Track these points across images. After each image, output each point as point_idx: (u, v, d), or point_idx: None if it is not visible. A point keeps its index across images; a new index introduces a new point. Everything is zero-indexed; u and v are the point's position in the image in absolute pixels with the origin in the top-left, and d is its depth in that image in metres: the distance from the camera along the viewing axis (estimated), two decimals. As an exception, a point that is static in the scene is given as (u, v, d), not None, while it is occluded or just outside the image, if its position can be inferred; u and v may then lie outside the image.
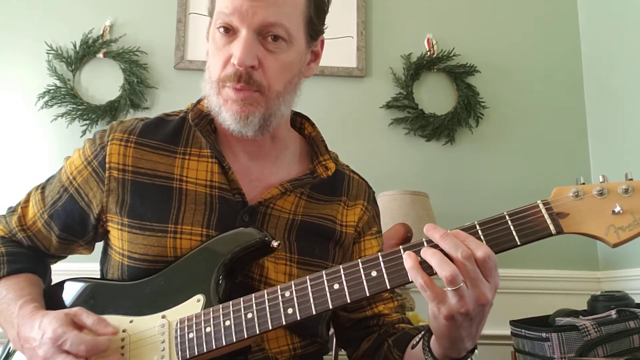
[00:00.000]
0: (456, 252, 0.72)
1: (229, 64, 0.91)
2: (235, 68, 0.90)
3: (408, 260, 0.75)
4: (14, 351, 0.94)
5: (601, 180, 0.75)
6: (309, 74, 1.03)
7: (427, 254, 0.74)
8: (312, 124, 1.10)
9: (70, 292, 0.96)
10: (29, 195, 1.05)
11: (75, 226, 1.00)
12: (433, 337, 0.82)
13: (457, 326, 0.74)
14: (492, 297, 0.73)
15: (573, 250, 2.31)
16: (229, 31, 0.92)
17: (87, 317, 0.85)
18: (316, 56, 1.04)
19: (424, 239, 0.77)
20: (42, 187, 1.04)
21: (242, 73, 0.90)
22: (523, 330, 1.63)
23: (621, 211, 0.72)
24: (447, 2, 2.57)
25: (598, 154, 2.44)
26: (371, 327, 1.04)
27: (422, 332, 0.86)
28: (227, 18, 0.91)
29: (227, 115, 0.93)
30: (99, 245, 1.06)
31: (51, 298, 0.97)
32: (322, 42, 1.05)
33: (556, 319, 1.61)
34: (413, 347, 0.89)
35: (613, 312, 1.56)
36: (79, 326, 0.85)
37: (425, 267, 0.74)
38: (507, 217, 0.77)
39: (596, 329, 1.48)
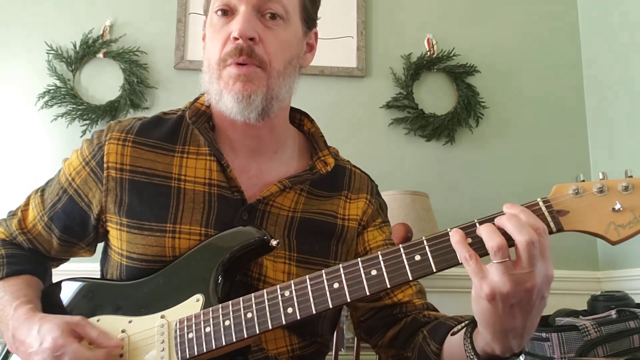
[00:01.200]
0: (520, 234, 0.68)
1: (229, 42, 0.92)
2: (235, 43, 0.90)
3: (455, 235, 0.73)
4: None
5: (601, 177, 0.74)
6: (306, 64, 1.03)
7: (483, 231, 0.71)
8: (311, 120, 1.10)
9: (67, 292, 0.96)
10: (28, 198, 1.05)
11: (75, 227, 1.00)
12: (476, 329, 0.78)
13: (497, 312, 0.70)
14: (540, 283, 0.68)
15: (573, 250, 2.31)
16: (227, 13, 0.93)
17: (91, 330, 0.84)
18: (311, 48, 1.05)
19: (423, 237, 0.77)
20: (42, 190, 1.04)
21: (244, 47, 0.90)
22: (523, 330, 1.62)
23: (621, 208, 0.71)
24: (447, 2, 2.57)
25: (598, 154, 2.44)
26: (395, 314, 1.01)
27: (467, 321, 0.82)
28: None
29: (229, 97, 0.92)
30: (100, 246, 1.06)
31: (48, 298, 0.96)
32: (316, 35, 1.06)
33: (556, 319, 1.60)
34: (453, 334, 0.84)
35: (613, 312, 1.56)
36: (79, 336, 0.84)
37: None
38: None
39: (596, 329, 1.48)
